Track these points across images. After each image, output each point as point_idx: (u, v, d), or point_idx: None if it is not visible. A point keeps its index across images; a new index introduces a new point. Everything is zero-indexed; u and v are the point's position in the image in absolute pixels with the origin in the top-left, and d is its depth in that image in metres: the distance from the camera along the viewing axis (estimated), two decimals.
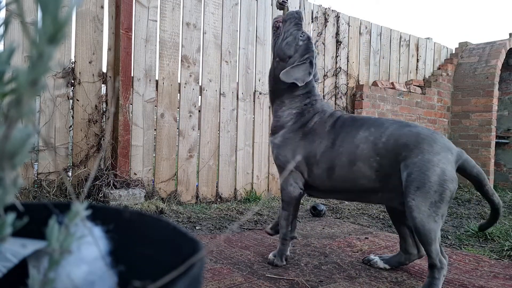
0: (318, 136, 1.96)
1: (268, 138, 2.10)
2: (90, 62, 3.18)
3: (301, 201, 3.95)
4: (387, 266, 2.03)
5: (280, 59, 2.07)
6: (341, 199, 2.13)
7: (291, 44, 2.04)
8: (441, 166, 1.67)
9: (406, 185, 1.69)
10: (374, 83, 5.17)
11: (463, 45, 6.28)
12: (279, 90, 2.09)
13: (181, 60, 3.63)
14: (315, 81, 2.16)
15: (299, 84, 1.99)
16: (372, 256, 2.11)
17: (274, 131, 2.10)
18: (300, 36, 2.05)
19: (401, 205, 1.81)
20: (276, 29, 2.13)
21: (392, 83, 5.30)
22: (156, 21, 3.48)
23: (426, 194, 1.64)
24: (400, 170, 1.76)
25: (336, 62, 4.91)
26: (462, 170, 1.79)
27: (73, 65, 3.11)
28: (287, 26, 2.08)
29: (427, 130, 1.80)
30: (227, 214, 3.25)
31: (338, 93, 4.89)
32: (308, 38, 2.07)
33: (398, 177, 1.77)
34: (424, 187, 1.65)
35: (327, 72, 4.81)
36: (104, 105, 3.28)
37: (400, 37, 5.70)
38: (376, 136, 1.82)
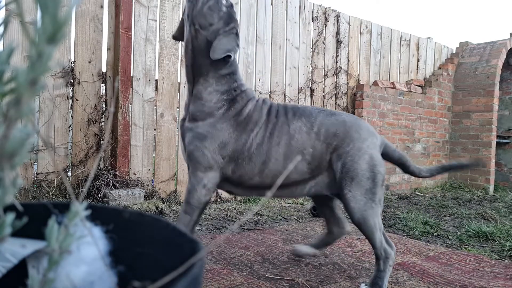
0: (255, 126, 1.72)
1: (182, 124, 1.76)
2: (89, 62, 3.17)
3: (301, 200, 3.98)
4: (314, 250, 2.09)
5: (200, 27, 1.70)
6: (263, 196, 1.85)
7: (213, 10, 1.70)
8: (369, 152, 1.69)
9: (341, 177, 1.67)
10: (375, 83, 5.16)
11: (464, 45, 6.27)
12: (202, 66, 1.73)
13: (181, 60, 3.62)
14: None
15: (232, 56, 1.69)
16: (297, 246, 2.13)
17: (195, 116, 1.72)
18: (224, 1, 1.74)
19: (328, 192, 1.77)
20: None
21: (393, 83, 5.29)
22: (156, 20, 3.47)
23: (360, 183, 1.65)
24: (330, 160, 1.71)
25: (337, 62, 4.90)
26: (385, 154, 1.83)
27: (73, 64, 3.10)
28: None
29: (351, 117, 1.78)
30: (227, 214, 3.24)
31: (338, 92, 4.88)
32: (231, 5, 1.77)
33: (326, 167, 1.72)
34: (358, 177, 1.65)
35: (327, 72, 4.80)
36: (104, 105, 3.27)
37: (401, 36, 5.69)
38: (308, 126, 1.72)
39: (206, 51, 1.70)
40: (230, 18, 1.73)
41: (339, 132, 1.70)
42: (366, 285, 1.73)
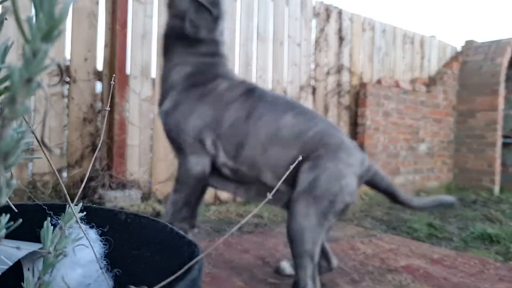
0: (226, 103, 1.60)
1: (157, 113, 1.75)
2: (85, 60, 3.12)
3: None
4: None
5: (175, 12, 1.72)
6: (239, 194, 1.70)
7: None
8: (347, 179, 1.52)
9: (306, 189, 1.50)
10: (378, 81, 5.09)
11: (469, 43, 6.21)
12: (172, 44, 1.69)
13: None
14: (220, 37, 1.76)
15: (214, 13, 1.62)
16: (282, 263, 1.92)
17: (162, 98, 1.67)
18: None
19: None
20: None
21: (397, 81, 5.21)
22: (153, 17, 3.42)
23: (319, 202, 1.48)
24: (300, 166, 1.55)
25: (339, 59, 4.83)
26: (373, 183, 1.68)
27: (68, 62, 3.05)
28: None
29: (350, 141, 1.64)
30: (226, 217, 3.20)
31: (341, 91, 4.81)
32: None
33: (294, 174, 1.55)
34: (322, 196, 1.48)
35: (329, 70, 4.73)
36: (100, 103, 3.22)
37: (404, 34, 5.62)
38: (304, 127, 1.58)
39: (174, 34, 1.70)
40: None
41: (331, 145, 1.57)
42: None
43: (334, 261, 1.85)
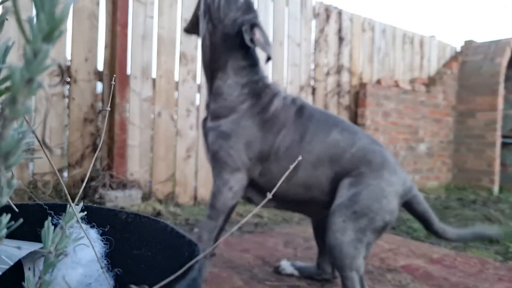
0: (282, 126, 1.60)
1: (204, 124, 1.67)
2: (86, 60, 3.12)
3: None
4: (296, 273, 1.86)
5: (218, 21, 1.63)
6: (281, 209, 1.74)
7: (231, 1, 1.64)
8: (389, 198, 1.51)
9: (345, 204, 1.48)
10: (378, 81, 5.09)
11: (468, 43, 6.22)
12: (220, 59, 1.64)
13: (179, 58, 3.57)
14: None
15: (270, 54, 1.58)
16: (282, 262, 1.92)
17: (217, 114, 1.62)
18: None
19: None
20: None
21: (396, 81, 5.22)
22: (153, 17, 3.42)
23: (358, 218, 1.46)
24: (340, 181, 1.56)
25: (339, 60, 4.84)
26: (409, 205, 1.64)
27: (69, 63, 3.05)
28: None
29: (394, 160, 1.63)
30: None
31: (340, 91, 4.82)
32: None
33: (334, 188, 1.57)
34: (362, 212, 1.46)
35: (329, 70, 4.74)
36: (100, 103, 3.22)
37: (404, 34, 5.63)
38: (348, 143, 1.58)
39: (224, 45, 1.63)
40: (248, 8, 1.66)
41: (375, 162, 1.55)
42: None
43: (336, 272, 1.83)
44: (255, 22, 1.59)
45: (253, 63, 1.67)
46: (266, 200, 0.63)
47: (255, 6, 4.03)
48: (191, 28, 1.85)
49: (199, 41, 1.73)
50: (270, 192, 1.59)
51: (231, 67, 1.63)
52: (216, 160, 1.59)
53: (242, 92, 1.62)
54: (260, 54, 1.73)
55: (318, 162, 1.57)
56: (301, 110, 1.65)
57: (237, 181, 1.57)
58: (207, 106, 1.69)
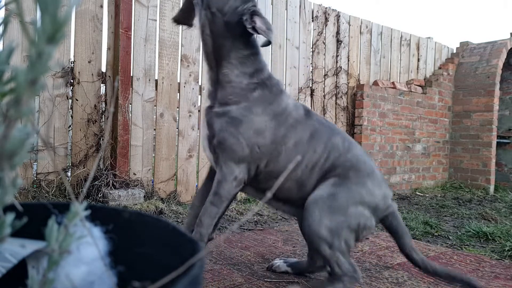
0: (297, 122, 1.63)
1: (209, 111, 1.62)
2: (89, 62, 3.17)
3: None
4: (290, 270, 1.89)
5: (217, 10, 1.58)
6: (274, 207, 1.75)
7: None
8: (365, 206, 1.57)
9: (323, 198, 1.54)
10: (375, 83, 5.15)
11: (464, 45, 6.26)
12: (223, 48, 1.61)
13: (181, 60, 3.62)
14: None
15: (271, 39, 1.54)
16: (275, 261, 1.94)
17: (227, 100, 1.59)
18: None
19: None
20: None
21: (393, 83, 5.28)
22: (156, 20, 3.47)
23: (333, 214, 1.51)
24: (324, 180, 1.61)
25: (337, 62, 4.89)
26: (386, 222, 1.72)
27: (72, 64, 3.09)
28: None
29: (381, 175, 1.70)
30: (226, 215, 3.23)
31: (338, 92, 4.87)
32: None
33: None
34: (338, 209, 1.51)
35: (327, 72, 4.79)
36: (103, 104, 3.27)
37: (401, 36, 5.68)
38: (345, 148, 1.66)
39: (225, 33, 1.60)
40: None
41: (362, 171, 1.62)
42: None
43: None
44: (254, 10, 1.56)
45: (255, 52, 1.66)
46: (265, 199, 0.68)
47: None
48: (181, 17, 1.81)
49: (201, 44, 1.74)
50: (267, 185, 1.61)
51: (235, 56, 1.61)
52: (224, 148, 1.56)
53: (251, 80, 1.61)
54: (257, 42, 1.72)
55: (317, 161, 1.61)
56: (309, 112, 1.70)
57: (242, 170, 1.57)
58: (212, 94, 1.65)
